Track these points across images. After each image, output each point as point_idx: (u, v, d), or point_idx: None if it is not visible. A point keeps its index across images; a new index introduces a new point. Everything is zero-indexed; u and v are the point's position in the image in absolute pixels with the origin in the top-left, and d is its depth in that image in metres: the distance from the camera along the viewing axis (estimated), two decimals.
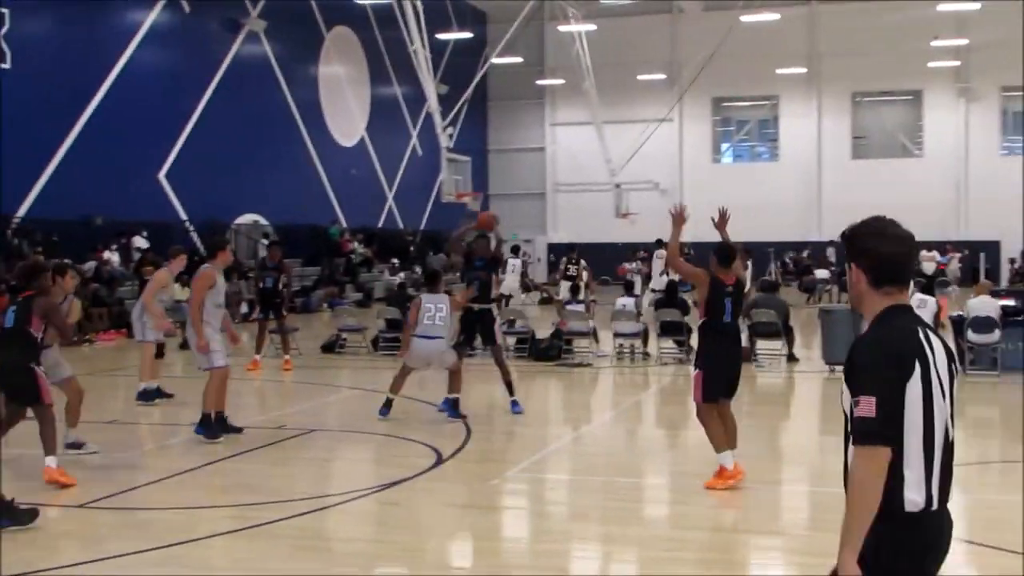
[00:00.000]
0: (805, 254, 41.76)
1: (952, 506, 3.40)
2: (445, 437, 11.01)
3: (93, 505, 8.31)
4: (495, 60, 38.99)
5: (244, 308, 26.46)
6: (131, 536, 7.49)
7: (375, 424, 11.90)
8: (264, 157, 33.08)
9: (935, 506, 3.31)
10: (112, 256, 25.63)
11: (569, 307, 19.59)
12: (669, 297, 18.66)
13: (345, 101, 39.13)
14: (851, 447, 3.31)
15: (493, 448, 11.16)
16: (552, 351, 17.95)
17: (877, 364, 3.27)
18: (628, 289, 20.96)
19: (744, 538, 7.70)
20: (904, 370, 3.28)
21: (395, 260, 38.18)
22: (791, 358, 17.43)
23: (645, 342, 18.28)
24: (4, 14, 23.57)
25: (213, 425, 11.02)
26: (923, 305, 16.74)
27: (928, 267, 34.53)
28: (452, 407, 12.10)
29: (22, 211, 24.39)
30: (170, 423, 12.22)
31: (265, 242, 31.39)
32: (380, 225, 41.76)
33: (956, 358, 3.55)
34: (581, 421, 13.46)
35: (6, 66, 23.68)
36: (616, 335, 18.38)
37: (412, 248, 41.80)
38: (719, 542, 7.58)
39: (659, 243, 30.20)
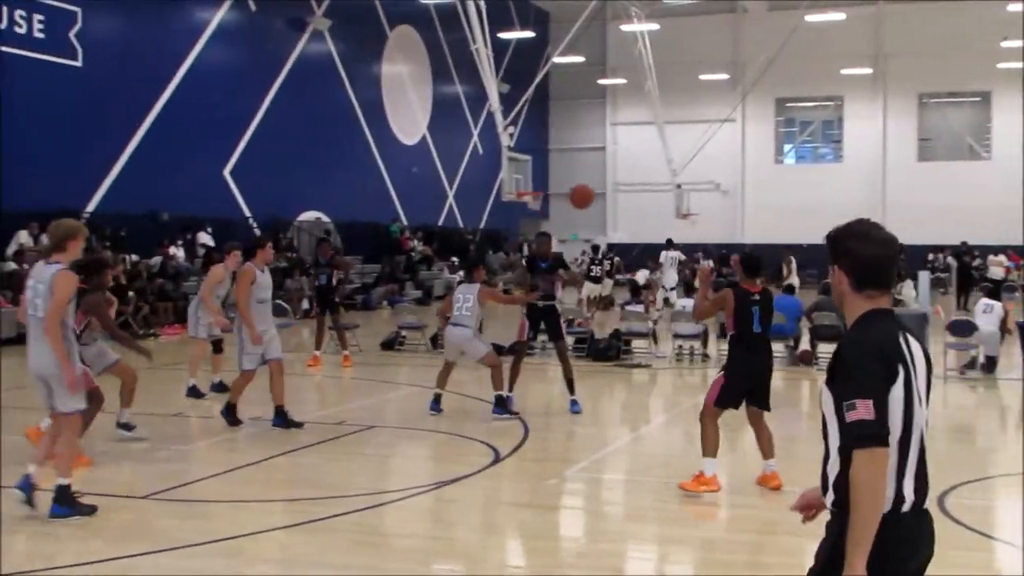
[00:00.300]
0: None
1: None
2: (503, 436, 11.04)
3: (155, 497, 8.44)
4: (557, 59, 38.96)
5: (305, 304, 26.71)
6: (191, 528, 7.61)
7: (434, 421, 11.97)
8: (327, 154, 33.38)
9: (907, 507, 3.33)
10: (177, 251, 26.02)
11: (628, 307, 19.51)
12: None
13: (407, 100, 39.35)
14: (832, 449, 3.36)
15: (551, 447, 11.16)
16: (610, 351, 17.90)
17: (867, 367, 3.29)
18: (688, 290, 20.84)
19: (802, 542, 7.61)
20: (890, 374, 3.30)
21: (455, 258, 38.32)
22: None
23: (705, 343, 18.17)
24: (76, 13, 24.04)
25: (235, 414, 11.43)
26: (989, 310, 16.49)
27: (996, 272, 33.95)
28: (497, 404, 12.16)
29: (91, 206, 24.87)
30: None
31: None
32: (440, 223, 41.95)
33: (933, 365, 3.58)
34: (639, 422, 13.42)
35: (77, 64, 24.14)
36: (675, 336, 18.28)
37: (472, 246, 41.93)
38: (777, 546, 7.51)
39: (669, 243, 29.88)
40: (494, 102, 30.37)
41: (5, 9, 22.42)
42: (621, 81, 47.77)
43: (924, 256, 39.11)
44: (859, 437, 3.23)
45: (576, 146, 51.07)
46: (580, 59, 43.50)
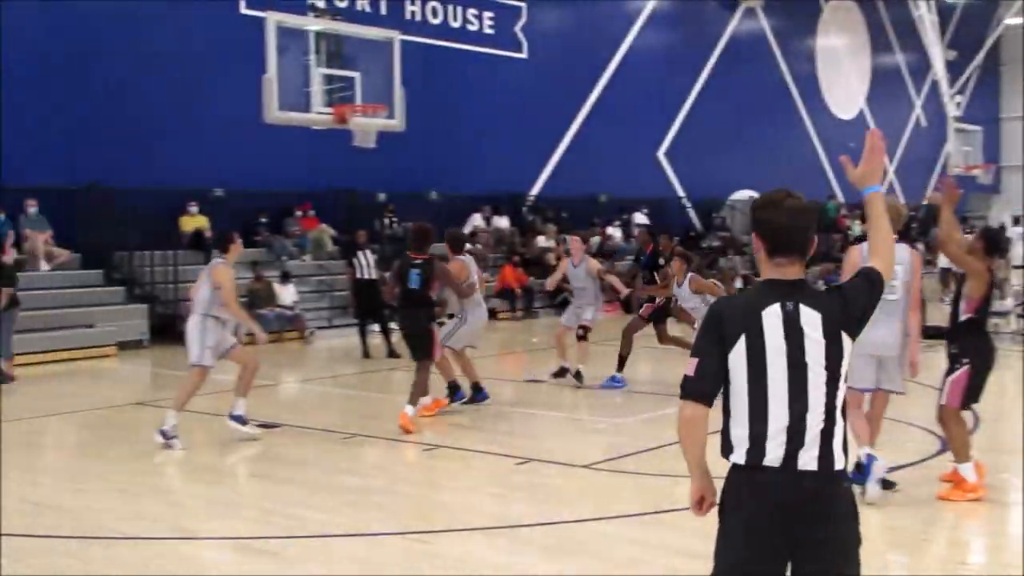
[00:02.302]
0: None
1: None
2: None
3: (595, 467, 8.87)
4: (1009, 21, 36.14)
5: (738, 283, 26.69)
6: (627, 498, 7.95)
7: None
8: (759, 132, 33.11)
9: (762, 462, 3.40)
10: (615, 232, 26.96)
11: None
12: None
13: (843, 73, 38.07)
14: None
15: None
16: None
17: (703, 332, 3.53)
18: None
19: None
20: (726, 341, 3.44)
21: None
22: None
23: None
24: (522, 8, 25.54)
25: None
26: None
27: None
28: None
29: (535, 190, 26.38)
30: (664, 393, 12.67)
31: None
32: None
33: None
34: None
35: (523, 56, 25.64)
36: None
37: (915, 224, 39.86)
38: None
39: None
40: (939, 71, 28.80)
41: (460, 9, 24.32)
42: None
43: None
44: (681, 388, 3.50)
45: None
46: None
